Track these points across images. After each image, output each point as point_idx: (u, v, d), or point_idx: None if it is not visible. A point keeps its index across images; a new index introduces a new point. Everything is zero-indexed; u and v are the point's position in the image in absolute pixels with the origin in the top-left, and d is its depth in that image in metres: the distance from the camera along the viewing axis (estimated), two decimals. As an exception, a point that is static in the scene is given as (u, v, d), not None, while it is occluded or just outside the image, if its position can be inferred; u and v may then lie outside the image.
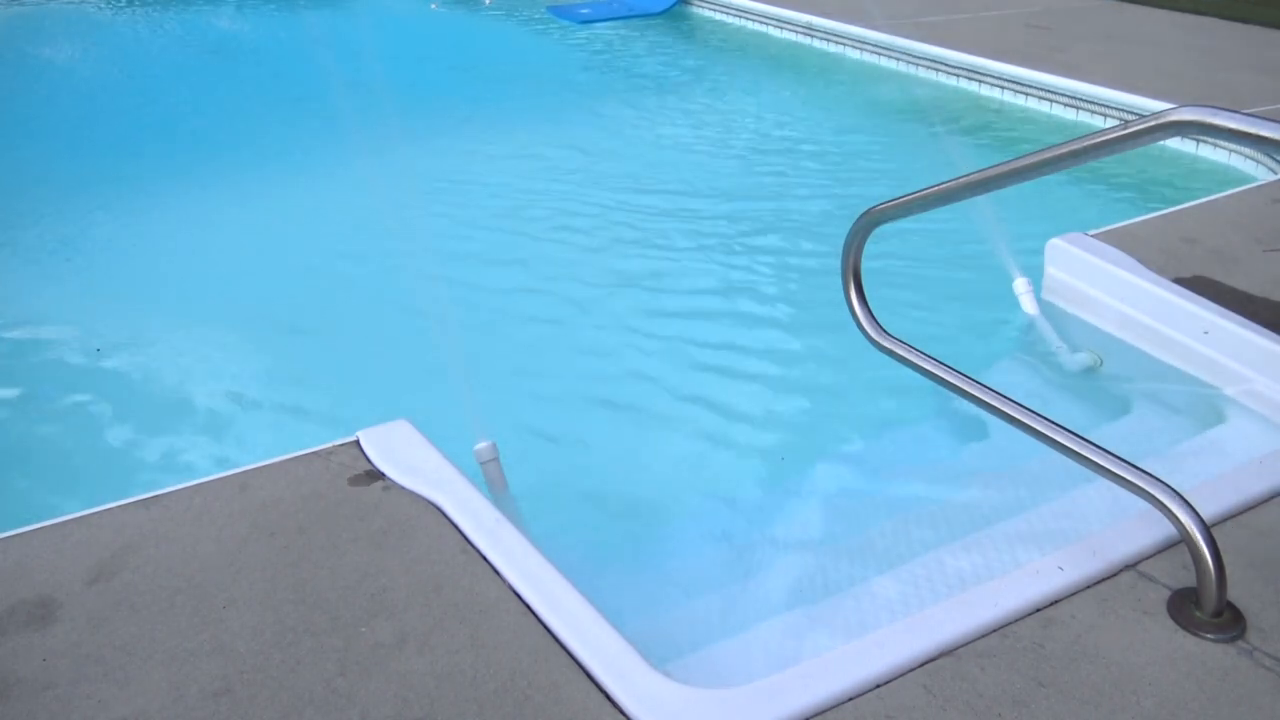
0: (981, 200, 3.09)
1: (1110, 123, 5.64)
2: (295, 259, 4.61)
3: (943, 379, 2.24)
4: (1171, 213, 3.94)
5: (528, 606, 1.89)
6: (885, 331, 2.41)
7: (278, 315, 4.06)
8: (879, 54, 7.23)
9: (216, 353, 3.73)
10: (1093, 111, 5.86)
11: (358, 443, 2.41)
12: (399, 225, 4.69)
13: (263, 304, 4.15)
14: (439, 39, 9.08)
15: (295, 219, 5.08)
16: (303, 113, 6.62)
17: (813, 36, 7.80)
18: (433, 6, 10.17)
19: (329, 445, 2.42)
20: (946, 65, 6.74)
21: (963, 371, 2.22)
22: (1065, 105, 6.03)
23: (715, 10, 8.85)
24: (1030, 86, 6.23)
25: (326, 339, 3.88)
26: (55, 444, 3.24)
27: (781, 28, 8.11)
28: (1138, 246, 3.42)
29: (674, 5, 9.01)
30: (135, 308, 4.08)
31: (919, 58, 6.91)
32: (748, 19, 8.48)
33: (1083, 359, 3.18)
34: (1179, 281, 3.17)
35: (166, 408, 3.37)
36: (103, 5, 10.29)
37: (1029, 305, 3.48)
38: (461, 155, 5.86)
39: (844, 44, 7.53)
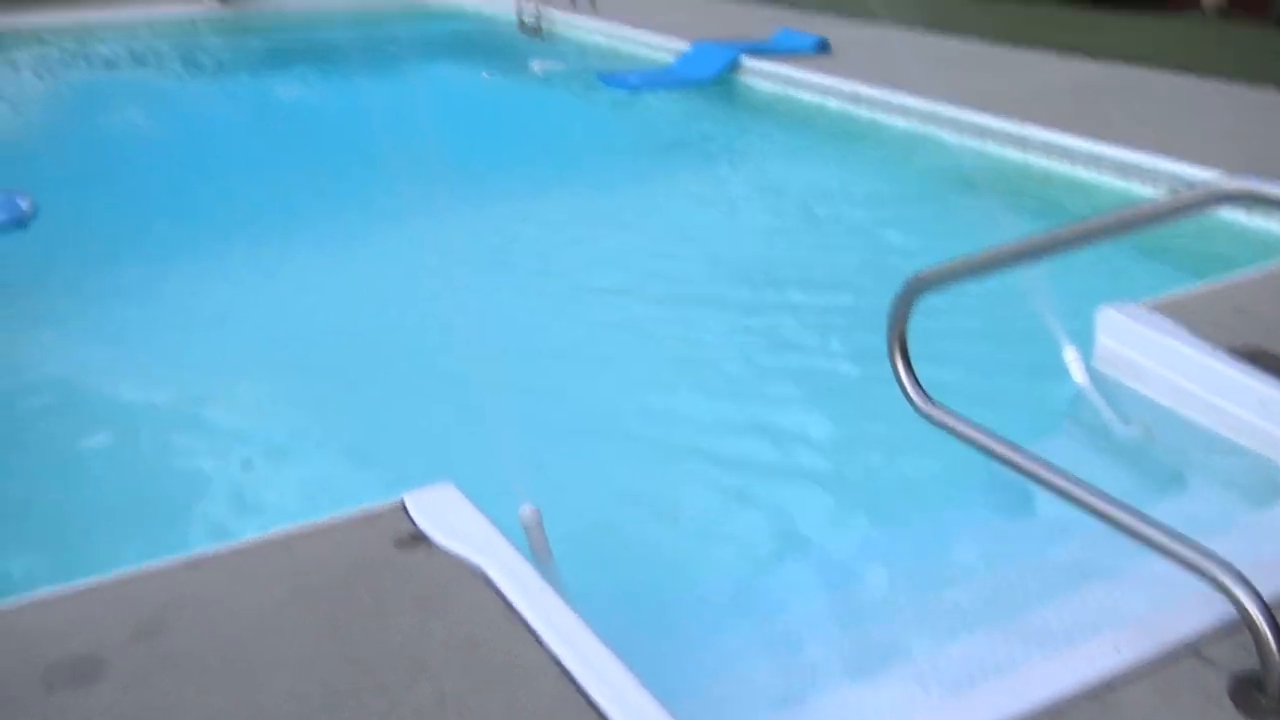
0: (1031, 266, 3.07)
1: (1160, 191, 5.59)
2: (345, 318, 4.69)
3: (991, 449, 2.21)
4: (1223, 283, 3.88)
5: (568, 674, 1.87)
6: (931, 400, 2.39)
7: (327, 375, 4.12)
8: (924, 121, 7.27)
9: (265, 410, 3.79)
10: (1142, 180, 5.82)
11: (403, 505, 2.42)
12: (447, 288, 4.76)
13: (312, 363, 4.22)
14: (491, 106, 9.29)
15: (347, 279, 5.18)
16: (356, 176, 6.78)
17: (857, 103, 7.87)
18: (484, 75, 10.42)
19: (375, 507, 2.43)
20: (992, 132, 6.75)
21: (1011, 442, 2.19)
22: (1113, 173, 6.00)
23: (762, 79, 8.97)
24: (1077, 154, 6.21)
25: (375, 400, 3.92)
26: (102, 499, 3.29)
27: (827, 95, 8.19)
28: (1189, 316, 3.37)
29: (721, 74, 9.14)
30: (186, 364, 4.16)
31: (964, 125, 6.93)
32: (794, 87, 8.57)
33: (1135, 430, 3.12)
34: (1232, 352, 3.11)
35: (215, 464, 3.42)
36: (166, 76, 10.68)
37: (1079, 375, 3.43)
38: (512, 219, 5.95)
39: (888, 111, 7.58)
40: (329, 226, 5.92)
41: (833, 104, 8.11)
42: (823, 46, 9.52)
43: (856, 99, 7.89)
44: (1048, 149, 6.40)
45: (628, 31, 11.17)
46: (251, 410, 3.81)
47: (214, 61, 11.42)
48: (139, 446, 3.56)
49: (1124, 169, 5.93)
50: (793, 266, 5.16)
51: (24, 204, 5.88)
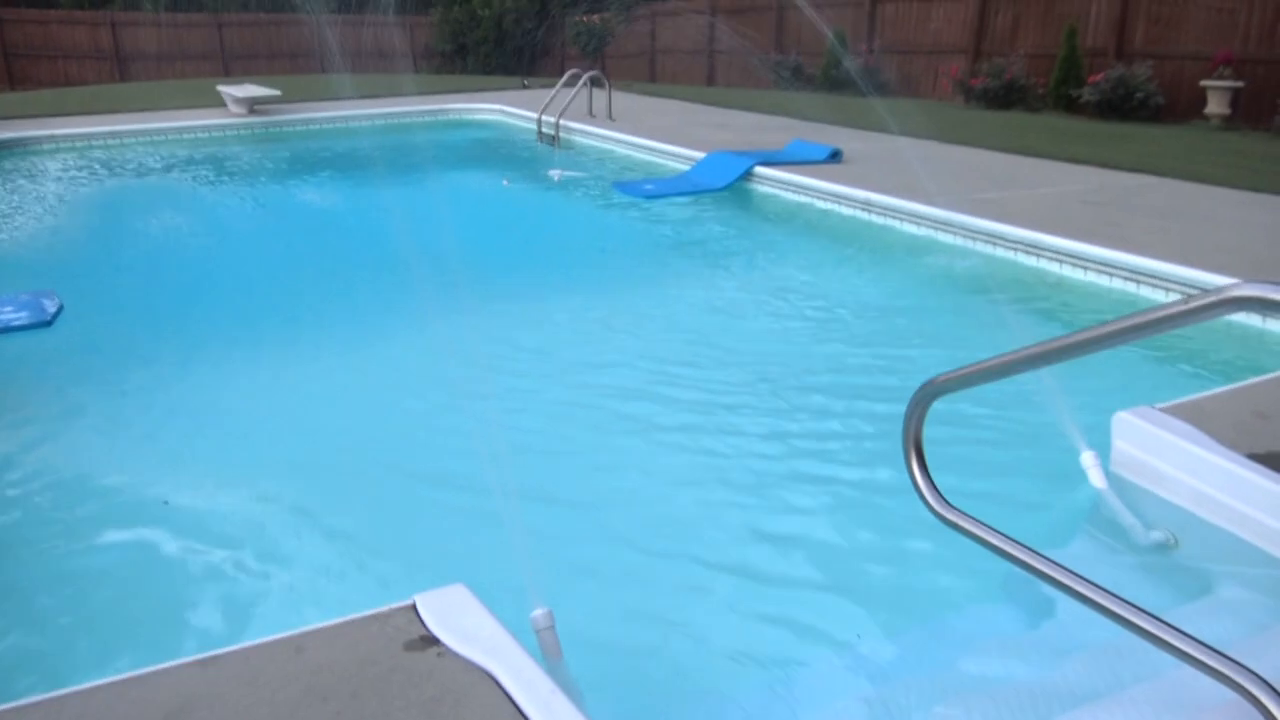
0: (1044, 369, 3.08)
1: (1171, 297, 5.63)
2: (360, 419, 4.71)
3: (1008, 553, 2.19)
4: (1241, 386, 3.88)
5: (580, 784, 1.83)
6: (948, 503, 2.37)
7: (341, 474, 4.12)
8: (936, 228, 7.38)
9: (277, 509, 3.79)
10: (1154, 285, 5.87)
11: (414, 607, 2.40)
12: (461, 390, 4.80)
13: (325, 462, 4.23)
14: (510, 212, 9.49)
15: (363, 379, 5.21)
16: (376, 278, 6.91)
17: (871, 211, 8.00)
18: (504, 183, 10.67)
19: (386, 609, 2.41)
20: (1004, 239, 6.84)
21: (1029, 546, 2.17)
22: (1126, 279, 6.05)
23: (775, 187, 9.15)
24: (1089, 260, 6.28)
25: (389, 500, 3.91)
26: (116, 597, 3.27)
27: (840, 203, 8.34)
28: (1208, 421, 3.36)
29: (735, 182, 9.34)
30: (203, 463, 4.18)
31: (976, 232, 7.04)
32: (807, 195, 8.74)
33: (1156, 536, 3.08)
34: (1253, 457, 3.09)
35: (229, 563, 3.40)
36: (194, 182, 10.98)
37: (1097, 479, 3.41)
38: (527, 322, 6.02)
39: (901, 218, 7.71)
40: (348, 328, 6.00)
41: (846, 211, 8.26)
42: (835, 156, 9.73)
43: (869, 206, 8.03)
44: (1059, 255, 6.47)
45: (644, 141, 11.46)
46: (264, 509, 3.80)
47: (242, 168, 11.76)
48: (151, 544, 3.55)
49: (1135, 274, 5.98)
50: (805, 370, 5.17)
51: (50, 305, 6.00)
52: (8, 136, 12.57)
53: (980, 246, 7.00)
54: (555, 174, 10.65)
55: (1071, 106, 14.43)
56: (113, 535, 3.64)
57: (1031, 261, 6.65)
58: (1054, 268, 6.50)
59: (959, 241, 7.17)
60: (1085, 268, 6.30)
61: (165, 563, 3.44)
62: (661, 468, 4.13)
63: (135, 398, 4.92)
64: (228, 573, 3.37)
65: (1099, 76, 13.93)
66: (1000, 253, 6.86)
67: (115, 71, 26.86)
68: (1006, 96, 15.25)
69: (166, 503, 3.81)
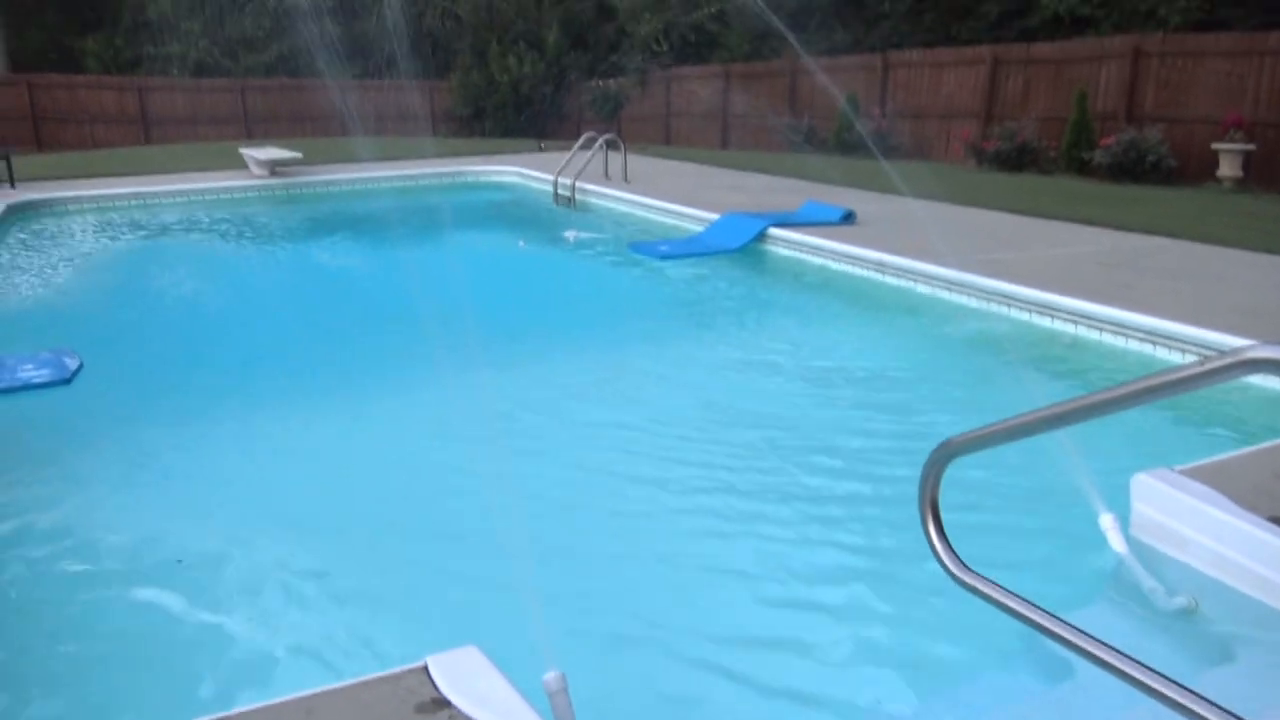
0: (1061, 431, 3.07)
1: (1188, 358, 5.61)
2: (372, 480, 4.71)
3: (1028, 617, 2.16)
4: (1262, 449, 3.84)
5: None
6: (966, 566, 2.35)
7: (355, 534, 4.11)
8: (950, 289, 7.40)
9: (291, 568, 3.77)
10: (1170, 347, 5.85)
11: (426, 669, 2.38)
12: (473, 451, 4.80)
13: (339, 522, 4.22)
14: (526, 273, 9.57)
15: (379, 439, 5.23)
16: (394, 338, 6.95)
17: (884, 272, 8.04)
18: (520, 244, 10.78)
19: (398, 670, 2.39)
20: (1018, 300, 6.85)
21: (1049, 610, 2.14)
22: (1141, 340, 6.03)
23: (789, 248, 9.21)
24: (1104, 321, 6.28)
25: (400, 560, 3.90)
26: (127, 655, 3.26)
27: (854, 264, 8.38)
28: (1228, 483, 3.33)
29: (749, 243, 9.40)
30: (216, 523, 4.18)
31: (990, 293, 7.05)
32: (820, 256, 8.79)
33: (1178, 600, 3.03)
34: (1275, 520, 3.05)
35: (240, 622, 3.39)
36: (216, 242, 11.14)
37: (1117, 542, 3.37)
38: (542, 382, 6.04)
39: (914, 280, 7.74)
40: (363, 389, 6.03)
41: (859, 272, 8.30)
42: (849, 217, 9.80)
43: (882, 267, 8.06)
44: (1074, 316, 6.47)
45: (659, 203, 11.59)
46: (276, 568, 3.79)
47: (262, 229, 11.93)
48: (163, 603, 3.54)
49: (1151, 335, 5.97)
50: (819, 431, 5.16)
51: (71, 363, 6.06)
52: (35, 198, 12.81)
53: (994, 307, 7.01)
54: (571, 235, 10.76)
55: (1083, 169, 14.54)
56: (125, 593, 3.63)
57: (1045, 323, 6.65)
58: (1068, 329, 6.50)
59: (972, 302, 7.18)
60: (1100, 329, 6.30)
61: (177, 621, 3.43)
62: (673, 532, 4.10)
63: (150, 456, 4.94)
64: (239, 632, 3.35)
65: (1110, 140, 14.05)
66: (1014, 314, 6.87)
67: (141, 135, 27.40)
68: (1018, 159, 15.38)
69: (180, 561, 3.81)
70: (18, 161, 14.60)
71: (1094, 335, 6.33)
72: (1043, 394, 5.34)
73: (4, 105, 25.61)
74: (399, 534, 4.13)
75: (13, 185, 13.69)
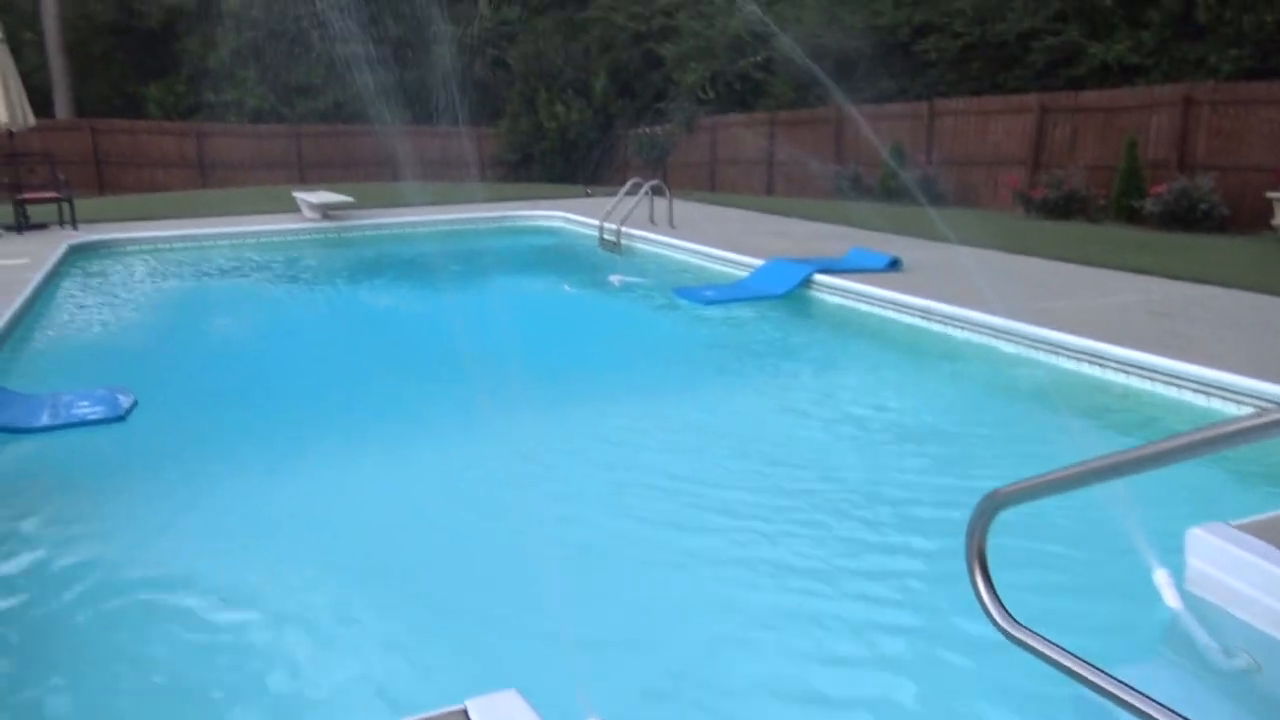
0: (1111, 483, 3.01)
1: (1243, 410, 5.49)
2: (416, 522, 4.73)
3: (1079, 674, 2.11)
4: (1321, 505, 3.74)
5: None
6: (1015, 620, 2.30)
7: (399, 574, 4.13)
8: (997, 337, 7.32)
9: (334, 609, 3.79)
10: (1224, 398, 5.74)
11: (465, 713, 2.37)
12: (517, 493, 4.81)
13: (383, 564, 4.24)
14: (572, 316, 9.63)
15: (422, 483, 5.26)
16: (441, 380, 7.02)
17: (930, 319, 7.99)
18: (566, 288, 10.87)
19: (437, 713, 2.38)
20: (1067, 349, 6.76)
21: (1100, 666, 2.09)
22: (1194, 391, 5.92)
23: (834, 294, 9.19)
24: (1156, 371, 6.17)
25: (441, 603, 3.90)
26: (167, 693, 3.28)
27: (900, 311, 8.34)
28: (1286, 539, 3.24)
29: (794, 289, 9.40)
30: (261, 562, 4.22)
31: (1039, 341, 6.97)
32: (866, 302, 8.76)
33: (1237, 660, 2.94)
34: (1337, 579, 2.97)
35: (281, 663, 3.40)
36: (269, 283, 11.36)
37: (1171, 598, 3.29)
38: (584, 426, 6.05)
39: (962, 327, 7.67)
40: (409, 430, 6.08)
41: (906, 319, 8.25)
42: (895, 264, 9.76)
43: (929, 314, 8.01)
44: (1125, 365, 6.37)
45: (704, 248, 11.63)
46: (318, 608, 3.81)
47: (313, 271, 12.15)
48: (205, 641, 3.58)
49: (1205, 386, 5.86)
50: (863, 478, 5.10)
51: (125, 400, 6.18)
52: (95, 239, 13.17)
53: (1043, 356, 6.92)
54: (616, 279, 10.82)
55: (1134, 218, 14.38)
56: (167, 627, 3.67)
57: (1096, 372, 6.56)
58: (1119, 378, 6.40)
59: (1021, 351, 7.10)
60: (1152, 379, 6.19)
61: (218, 660, 3.45)
62: (712, 582, 4.07)
63: (198, 494, 5.01)
64: (279, 673, 3.37)
65: (1161, 188, 13.89)
66: (1063, 363, 6.78)
67: (199, 178, 28.13)
68: (1067, 207, 15.25)
69: (223, 600, 3.84)
70: (80, 204, 15.05)
71: (1146, 385, 6.23)
72: (1093, 445, 5.26)
73: (69, 149, 26.42)
74: (439, 576, 4.14)
75: (75, 226, 14.10)
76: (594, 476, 5.25)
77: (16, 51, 21.93)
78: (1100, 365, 6.54)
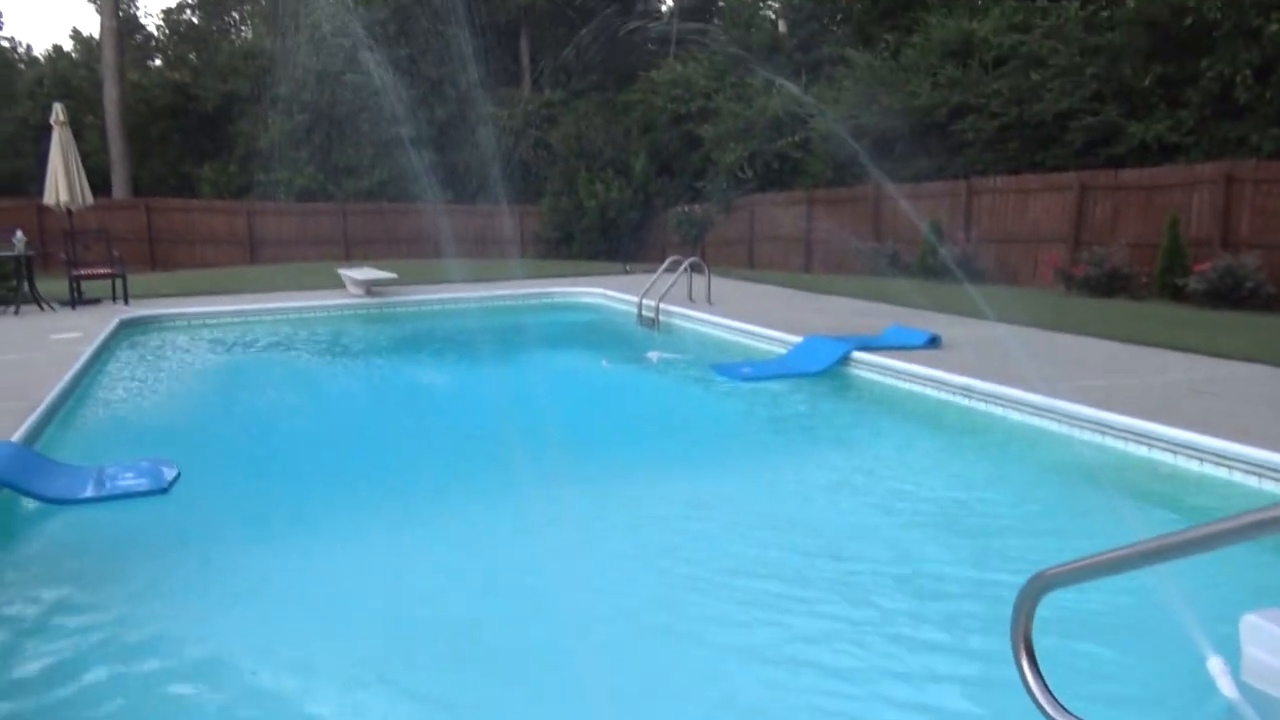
0: (1162, 566, 2.94)
1: (1298, 492, 5.35)
2: (456, 596, 4.71)
3: (1133, 767, 2.04)
4: (1382, 592, 3.61)
5: None
6: (1063, 707, 2.23)
7: (435, 650, 4.10)
8: (1039, 416, 7.23)
9: (370, 684, 3.76)
10: (1278, 480, 5.60)
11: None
12: (555, 573, 4.78)
13: (420, 638, 4.21)
14: (610, 392, 9.65)
15: (461, 554, 5.25)
16: (478, 452, 7.05)
17: (971, 398, 7.91)
18: (604, 363, 10.92)
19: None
20: (1112, 428, 6.65)
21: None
22: (1246, 472, 5.79)
23: (873, 372, 9.14)
24: (1205, 452, 6.04)
25: (478, 685, 3.86)
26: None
27: (939, 388, 8.27)
28: (1347, 628, 3.13)
29: (833, 366, 9.37)
30: (296, 636, 4.21)
31: (1082, 420, 6.87)
32: (905, 380, 8.70)
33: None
34: (1402, 670, 2.85)
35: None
36: (313, 357, 11.54)
37: (1226, 687, 3.17)
38: (622, 502, 6.02)
39: (1003, 405, 7.58)
40: (451, 504, 6.09)
41: (945, 397, 8.18)
42: (934, 342, 9.72)
43: (969, 392, 7.94)
44: (1172, 445, 6.25)
45: (741, 325, 11.67)
46: (353, 684, 3.79)
47: (356, 347, 12.32)
48: (236, 713, 3.56)
49: (1257, 468, 5.72)
50: (904, 558, 5.02)
51: (169, 472, 6.26)
52: (145, 314, 13.49)
53: (1086, 435, 6.82)
54: (654, 356, 10.87)
55: (1178, 295, 14.24)
56: (199, 699, 3.66)
57: (1142, 452, 6.43)
58: (1167, 458, 6.27)
59: (1064, 429, 7.00)
60: (1200, 459, 6.06)
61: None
62: (751, 661, 4.00)
63: (237, 568, 5.03)
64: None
65: (1205, 266, 13.77)
66: (1108, 442, 6.66)
67: (247, 255, 28.82)
68: (1109, 285, 15.15)
69: (254, 673, 3.83)
70: (132, 279, 15.46)
71: (1194, 466, 6.10)
72: (1140, 526, 5.14)
73: (124, 227, 27.23)
74: (476, 656, 4.10)
75: (126, 302, 14.46)
76: (631, 553, 5.21)
77: (79, 134, 22.77)
78: (1147, 444, 6.42)
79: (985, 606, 4.31)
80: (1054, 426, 7.09)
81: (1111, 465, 6.41)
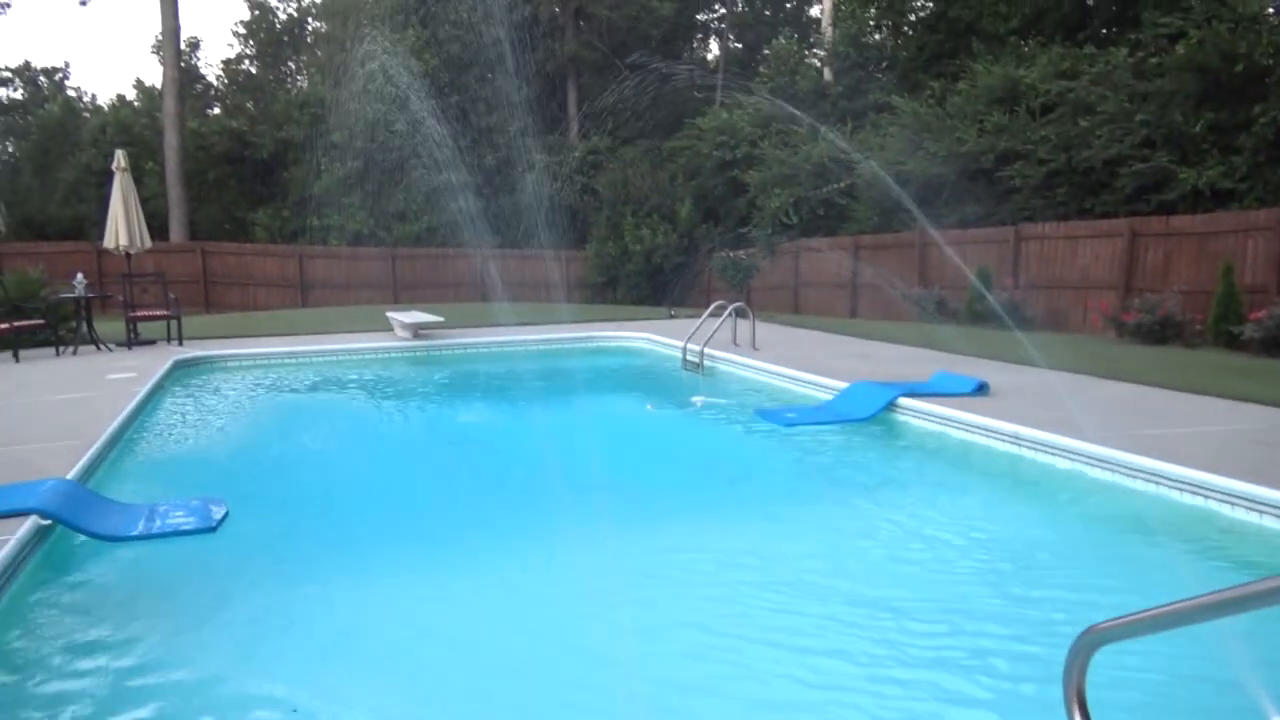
0: (1221, 621, 2.85)
1: (1363, 547, 5.18)
2: (498, 638, 4.70)
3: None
4: None
5: None
6: (1118, 767, 2.17)
7: (484, 694, 4.08)
8: (1091, 464, 7.09)
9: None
10: (1341, 534, 5.43)
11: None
12: (605, 614, 4.75)
13: (461, 681, 4.20)
14: (654, 437, 9.64)
15: (503, 599, 5.23)
16: (522, 496, 7.06)
17: (1020, 446, 7.78)
18: (648, 408, 10.92)
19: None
20: (1166, 479, 6.51)
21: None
22: (1307, 526, 5.62)
23: (920, 418, 9.04)
24: (1266, 505, 5.88)
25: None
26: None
27: (988, 436, 8.15)
28: None
29: (878, 413, 9.28)
30: (338, 676, 4.22)
31: (1135, 470, 6.73)
32: (952, 427, 8.59)
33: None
34: None
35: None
36: (360, 398, 11.67)
37: (1291, 750, 3.06)
38: (666, 548, 5.99)
39: (1053, 454, 7.45)
40: (494, 546, 6.09)
41: (994, 445, 8.06)
42: (982, 389, 9.60)
43: (1018, 440, 7.81)
44: (1230, 497, 6.09)
45: (786, 370, 11.62)
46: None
47: (403, 389, 12.44)
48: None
49: (1319, 522, 5.56)
50: (949, 610, 4.92)
51: (217, 511, 6.34)
52: (198, 354, 13.75)
53: (1140, 485, 6.67)
54: (698, 400, 10.85)
55: (1233, 343, 13.98)
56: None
57: (1198, 503, 6.28)
58: (1224, 510, 6.11)
59: (1116, 479, 6.86)
60: (1260, 512, 5.90)
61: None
62: (796, 713, 3.93)
63: (281, 607, 5.07)
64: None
65: (1261, 313, 13.51)
66: (1163, 493, 6.51)
67: (298, 298, 29.36)
68: (1162, 332, 14.91)
69: (295, 710, 3.84)
70: (186, 321, 15.80)
71: (1253, 518, 5.93)
72: (1196, 580, 5.01)
73: (180, 270, 27.91)
74: (521, 703, 4.08)
75: (180, 342, 14.76)
76: (675, 599, 5.16)
77: (139, 179, 23.46)
78: (1203, 496, 6.26)
79: (1037, 660, 4.21)
80: (1106, 476, 6.94)
81: (1166, 517, 6.26)
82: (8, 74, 46.67)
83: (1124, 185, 18.28)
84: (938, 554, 5.84)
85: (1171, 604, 2.05)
